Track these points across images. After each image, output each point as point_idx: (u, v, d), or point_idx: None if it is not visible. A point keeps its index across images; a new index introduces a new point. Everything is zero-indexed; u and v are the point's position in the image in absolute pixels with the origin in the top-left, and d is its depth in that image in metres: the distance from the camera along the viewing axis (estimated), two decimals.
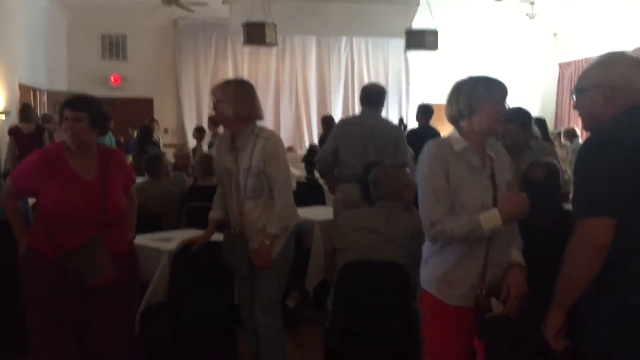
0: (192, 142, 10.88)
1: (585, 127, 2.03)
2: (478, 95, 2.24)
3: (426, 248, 2.31)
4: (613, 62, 1.94)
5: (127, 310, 2.86)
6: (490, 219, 2.13)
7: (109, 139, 7.64)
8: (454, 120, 2.32)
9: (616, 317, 1.78)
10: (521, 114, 3.61)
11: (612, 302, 1.79)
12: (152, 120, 10.46)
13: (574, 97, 2.04)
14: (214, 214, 3.29)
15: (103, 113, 2.82)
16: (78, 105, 2.74)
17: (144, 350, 3.43)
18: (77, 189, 2.71)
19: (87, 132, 2.74)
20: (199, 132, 9.80)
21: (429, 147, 2.26)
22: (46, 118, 8.97)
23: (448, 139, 2.29)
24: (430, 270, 2.28)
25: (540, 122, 5.69)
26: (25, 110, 8.01)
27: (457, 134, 2.29)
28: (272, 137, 3.10)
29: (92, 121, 2.74)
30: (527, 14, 10.82)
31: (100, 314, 2.73)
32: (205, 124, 10.47)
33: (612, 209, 1.75)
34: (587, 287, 1.81)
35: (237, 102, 3.03)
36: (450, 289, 2.21)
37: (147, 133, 9.12)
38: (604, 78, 1.92)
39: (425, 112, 7.15)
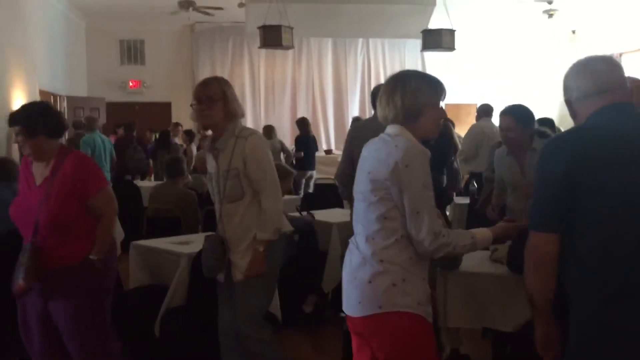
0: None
1: None
2: (423, 96, 2.08)
3: (397, 269, 2.02)
4: (587, 64, 1.88)
5: (79, 316, 2.72)
6: (484, 240, 2.13)
7: (100, 139, 7.65)
8: (390, 121, 2.11)
9: (576, 331, 1.77)
10: (517, 108, 3.56)
11: (573, 317, 1.78)
12: (177, 124, 10.47)
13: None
14: None
15: (41, 117, 2.72)
16: (11, 120, 2.72)
17: (164, 351, 3.46)
18: (27, 194, 2.76)
19: (26, 143, 2.69)
20: (188, 135, 9.78)
21: (423, 153, 2.04)
22: (76, 124, 9.10)
23: (418, 144, 2.07)
24: (418, 292, 2.05)
25: (548, 122, 5.63)
26: None
27: (412, 137, 2.08)
28: (252, 136, 2.89)
29: (28, 131, 2.68)
30: (545, 12, 10.72)
31: (53, 314, 2.74)
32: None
33: (548, 224, 1.75)
34: (546, 295, 1.79)
35: (232, 100, 2.89)
36: (428, 305, 2.09)
37: (165, 137, 9.17)
38: (578, 83, 1.87)
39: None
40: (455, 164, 7.25)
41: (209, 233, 3.12)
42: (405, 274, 2.03)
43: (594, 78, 1.83)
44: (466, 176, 6.93)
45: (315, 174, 9.88)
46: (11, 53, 8.21)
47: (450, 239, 2.02)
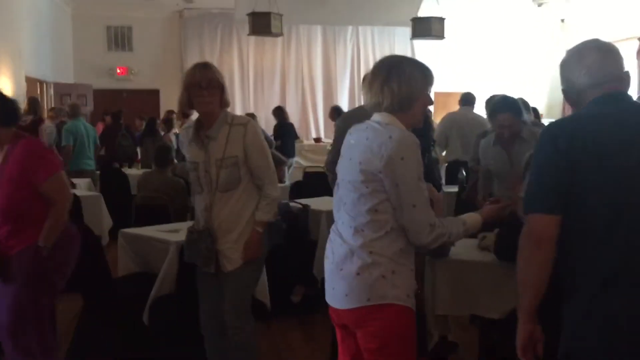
0: None
1: None
2: (417, 83, 2.03)
3: (387, 261, 1.99)
4: (583, 55, 1.87)
5: (13, 302, 2.67)
6: (475, 225, 2.12)
7: (83, 127, 7.61)
8: (382, 109, 2.04)
9: (569, 320, 1.76)
10: (511, 102, 3.60)
11: (566, 304, 1.77)
12: (172, 112, 10.30)
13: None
14: None
15: None
16: None
17: (153, 339, 3.46)
18: None
19: None
20: (165, 124, 9.64)
21: (416, 144, 1.98)
22: (60, 112, 9.05)
23: (411, 134, 2.01)
24: (406, 284, 2.03)
25: (532, 111, 5.68)
26: (31, 103, 8.15)
27: (402, 126, 2.02)
28: (250, 123, 2.86)
29: None
30: (534, 1, 10.74)
31: None
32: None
33: (548, 205, 1.73)
34: (538, 286, 1.75)
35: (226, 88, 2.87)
36: (413, 296, 2.08)
37: (152, 125, 9.11)
38: (575, 74, 1.87)
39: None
40: (433, 153, 7.26)
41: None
42: (395, 266, 2.00)
43: (589, 72, 1.83)
44: (445, 164, 6.95)
45: (294, 161, 9.86)
46: None
47: (445, 228, 2.01)
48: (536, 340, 1.80)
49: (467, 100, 7.01)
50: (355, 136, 2.09)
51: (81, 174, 7.12)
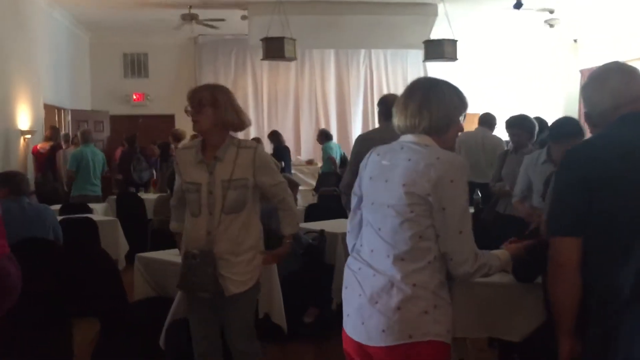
0: None
1: None
2: (454, 107, 1.98)
3: (429, 294, 1.86)
4: (606, 77, 1.88)
5: None
6: (507, 263, 2.08)
7: (90, 153, 7.71)
8: (420, 130, 1.96)
9: (593, 338, 1.77)
10: (575, 123, 3.66)
11: (589, 323, 1.78)
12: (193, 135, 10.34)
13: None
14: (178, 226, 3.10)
15: None
16: None
17: None
18: None
19: None
20: (161, 149, 9.63)
21: (464, 167, 1.90)
22: (65, 138, 9.25)
23: (458, 155, 1.97)
24: (447, 319, 1.90)
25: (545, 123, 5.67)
26: (53, 132, 8.44)
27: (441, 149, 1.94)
28: (260, 147, 2.93)
29: None
30: (546, 22, 10.75)
31: None
32: None
33: (570, 227, 1.75)
34: (570, 306, 1.78)
35: (225, 108, 2.83)
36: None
37: (165, 149, 9.20)
38: (598, 97, 1.88)
39: None
40: None
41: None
42: (437, 300, 1.87)
43: (612, 95, 1.85)
44: None
45: None
46: (16, 67, 8.27)
47: (486, 259, 1.92)
48: (578, 354, 1.82)
49: (486, 121, 6.89)
50: (389, 157, 1.99)
51: (84, 198, 7.21)
